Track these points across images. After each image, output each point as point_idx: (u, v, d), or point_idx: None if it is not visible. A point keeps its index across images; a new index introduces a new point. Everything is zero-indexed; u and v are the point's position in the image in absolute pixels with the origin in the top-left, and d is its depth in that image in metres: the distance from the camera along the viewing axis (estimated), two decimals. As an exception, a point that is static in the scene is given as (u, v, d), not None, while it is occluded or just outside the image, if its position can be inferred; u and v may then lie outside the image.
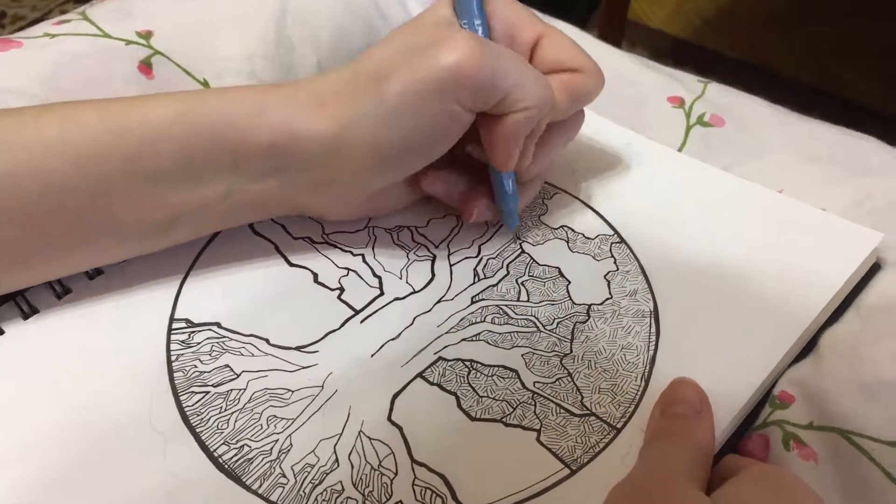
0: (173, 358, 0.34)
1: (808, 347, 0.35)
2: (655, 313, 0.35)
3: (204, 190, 0.33)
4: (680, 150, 0.44)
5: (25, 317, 0.35)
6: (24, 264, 0.33)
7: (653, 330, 0.35)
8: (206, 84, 0.44)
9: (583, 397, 0.32)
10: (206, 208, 0.34)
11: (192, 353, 0.34)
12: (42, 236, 0.32)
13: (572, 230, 0.39)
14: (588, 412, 0.32)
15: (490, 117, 0.33)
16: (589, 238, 0.39)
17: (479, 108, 0.33)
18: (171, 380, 0.33)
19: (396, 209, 0.39)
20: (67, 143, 0.31)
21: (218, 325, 0.35)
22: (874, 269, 0.37)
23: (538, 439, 0.31)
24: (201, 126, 0.32)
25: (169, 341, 0.34)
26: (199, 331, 0.35)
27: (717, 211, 0.39)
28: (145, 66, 0.43)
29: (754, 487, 0.26)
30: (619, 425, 0.31)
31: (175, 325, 0.35)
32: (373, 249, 0.38)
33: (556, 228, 0.39)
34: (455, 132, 0.34)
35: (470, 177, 0.38)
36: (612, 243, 0.39)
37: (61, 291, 0.36)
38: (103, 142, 0.32)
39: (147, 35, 0.44)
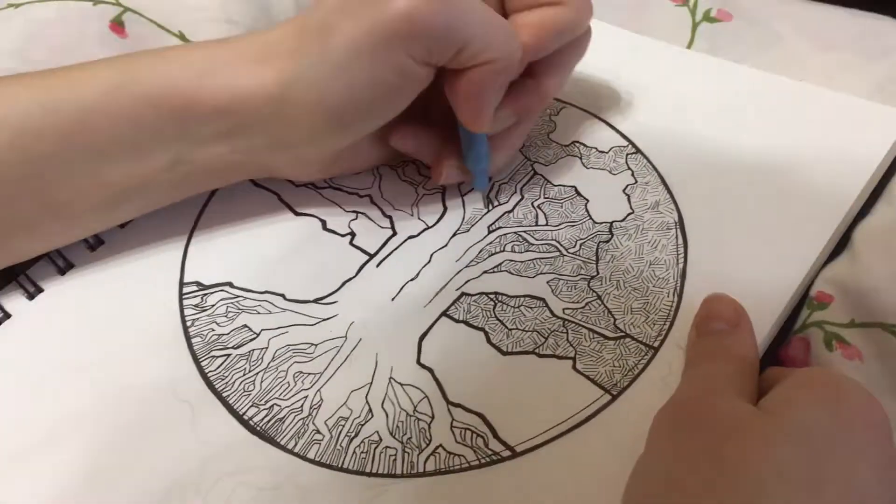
0: (189, 323, 0.32)
1: (841, 244, 0.33)
2: (681, 223, 0.34)
3: (149, 163, 0.31)
4: (688, 49, 0.42)
5: (31, 297, 0.34)
6: None
7: (680, 241, 0.33)
8: (182, 37, 0.41)
9: (615, 319, 0.31)
10: (153, 182, 0.32)
11: (208, 316, 0.33)
12: None
13: (584, 145, 0.38)
14: (622, 334, 0.31)
15: (452, 72, 0.30)
16: (603, 152, 0.37)
17: (435, 61, 0.30)
18: (190, 346, 0.32)
19: (372, 165, 0.37)
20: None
21: (230, 284, 0.34)
22: (902, 155, 0.36)
23: (574, 367, 0.30)
24: (141, 95, 0.30)
25: (182, 307, 0.33)
26: (212, 292, 0.33)
27: (735, 107, 0.37)
28: (117, 25, 0.41)
29: (802, 390, 0.25)
30: (655, 344, 0.30)
31: (186, 290, 0.34)
32: (380, 188, 0.37)
33: (568, 145, 0.38)
34: (409, 89, 0.31)
35: (443, 133, 0.35)
36: (627, 155, 0.37)
37: (64, 266, 0.35)
38: (36, 120, 0.29)
39: (114, -8, 0.42)
